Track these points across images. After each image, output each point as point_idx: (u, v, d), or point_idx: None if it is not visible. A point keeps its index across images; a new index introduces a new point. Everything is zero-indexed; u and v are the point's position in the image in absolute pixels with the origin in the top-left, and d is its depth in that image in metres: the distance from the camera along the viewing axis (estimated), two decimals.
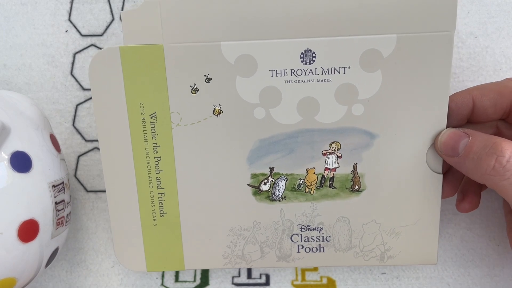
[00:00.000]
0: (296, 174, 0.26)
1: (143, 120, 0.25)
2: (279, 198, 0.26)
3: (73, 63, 0.30)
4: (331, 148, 0.26)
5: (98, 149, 0.30)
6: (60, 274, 0.31)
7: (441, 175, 0.26)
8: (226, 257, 0.27)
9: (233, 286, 0.30)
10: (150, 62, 0.24)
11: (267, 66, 0.24)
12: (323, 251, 0.27)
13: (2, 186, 0.22)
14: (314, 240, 0.27)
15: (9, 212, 0.22)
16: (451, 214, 0.30)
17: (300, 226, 0.27)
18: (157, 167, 0.26)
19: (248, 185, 0.26)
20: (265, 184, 0.26)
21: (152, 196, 0.27)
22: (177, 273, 0.30)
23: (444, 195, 0.27)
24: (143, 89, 0.25)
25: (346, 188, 0.26)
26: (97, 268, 0.31)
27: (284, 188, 0.26)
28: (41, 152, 0.24)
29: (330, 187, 0.26)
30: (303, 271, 0.30)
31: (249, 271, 0.30)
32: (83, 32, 0.30)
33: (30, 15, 0.30)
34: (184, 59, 0.24)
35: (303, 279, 0.30)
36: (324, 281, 0.30)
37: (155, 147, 0.26)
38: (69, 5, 0.30)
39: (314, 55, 0.24)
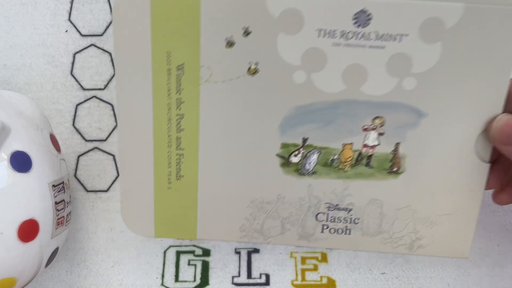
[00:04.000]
0: (331, 148, 0.24)
1: (169, 72, 0.22)
2: (309, 173, 0.24)
3: (73, 63, 0.30)
4: (374, 123, 0.23)
5: (98, 149, 0.30)
6: (60, 274, 0.31)
7: (488, 165, 0.23)
8: (243, 230, 0.25)
9: (233, 286, 0.30)
10: (184, 7, 0.21)
11: (315, 25, 0.21)
12: (349, 234, 0.25)
13: (2, 186, 0.22)
14: (341, 221, 0.25)
15: (9, 212, 0.22)
16: None
17: (327, 205, 0.25)
18: (178, 125, 0.23)
19: (277, 155, 0.24)
20: (295, 155, 0.24)
21: (169, 156, 0.24)
22: (177, 273, 0.30)
23: (488, 186, 0.24)
24: (172, 36, 0.22)
25: (384, 169, 0.24)
26: (97, 268, 0.31)
27: (316, 162, 0.24)
28: (41, 152, 0.24)
29: (366, 166, 0.24)
30: (303, 271, 0.30)
31: (249, 271, 0.30)
32: (83, 32, 0.30)
33: (30, 15, 0.30)
34: (222, 7, 0.21)
35: (303, 279, 0.30)
36: (324, 281, 0.30)
37: (179, 103, 0.23)
38: (69, 5, 0.30)
39: (369, 17, 0.21)
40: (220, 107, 0.23)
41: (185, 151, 0.24)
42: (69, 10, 0.30)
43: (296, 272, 0.30)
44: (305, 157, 0.24)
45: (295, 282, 0.30)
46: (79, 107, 0.30)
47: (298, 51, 0.22)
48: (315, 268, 0.30)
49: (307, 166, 0.24)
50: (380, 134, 0.23)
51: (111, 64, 0.30)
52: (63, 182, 0.26)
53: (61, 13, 0.30)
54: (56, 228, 0.25)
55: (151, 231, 0.25)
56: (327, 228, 0.25)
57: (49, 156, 0.25)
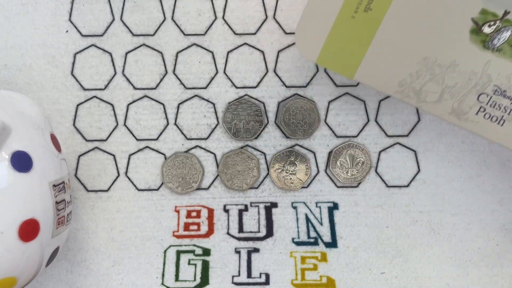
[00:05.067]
0: None
1: None
2: (494, 48, 0.23)
3: (73, 63, 0.30)
4: None
5: (99, 148, 0.30)
6: (60, 274, 0.31)
7: None
8: (402, 85, 0.24)
9: (233, 285, 0.30)
10: None
11: None
12: (502, 125, 0.24)
13: (3, 186, 0.22)
14: (500, 108, 0.24)
15: (9, 211, 0.22)
16: (449, 216, 0.30)
17: (495, 88, 0.24)
18: None
19: (472, 19, 0.23)
20: (489, 26, 0.23)
21: None
22: (177, 272, 0.31)
23: None
24: None
25: None
26: (97, 268, 0.31)
27: (506, 39, 0.23)
28: (41, 152, 0.24)
29: None
30: (303, 270, 0.30)
31: (249, 271, 0.30)
32: (84, 32, 0.30)
33: (30, 16, 0.30)
34: None
35: (303, 278, 0.30)
36: (324, 280, 0.30)
37: None
38: (69, 5, 0.30)
39: None
40: None
41: None
42: (69, 11, 0.30)
43: (296, 271, 0.30)
44: (498, 30, 0.23)
45: (295, 282, 0.30)
46: (80, 107, 0.30)
47: None
48: (315, 268, 0.30)
49: (495, 41, 0.23)
50: None
51: (111, 64, 0.30)
52: (63, 182, 0.26)
53: (62, 14, 0.30)
54: (57, 228, 0.25)
55: (315, 56, 0.25)
56: (483, 111, 0.24)
57: (49, 156, 0.25)
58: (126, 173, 0.31)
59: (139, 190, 0.31)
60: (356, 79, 0.25)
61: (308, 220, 0.31)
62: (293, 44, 0.30)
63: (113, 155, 0.31)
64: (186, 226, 0.31)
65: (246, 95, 0.31)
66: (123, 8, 0.30)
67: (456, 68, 0.24)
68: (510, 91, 0.24)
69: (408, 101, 0.25)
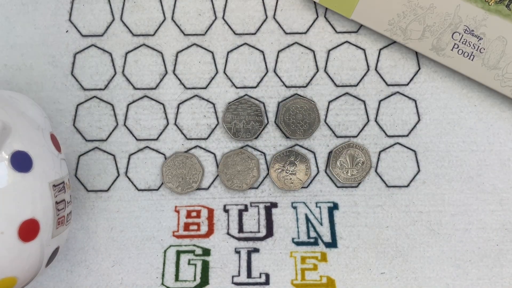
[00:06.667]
0: None
1: None
2: None
3: (73, 63, 0.30)
4: None
5: (99, 148, 0.31)
6: (61, 274, 0.31)
7: None
8: (391, 24, 0.29)
9: (233, 285, 0.30)
10: None
11: None
12: (472, 60, 0.28)
13: (3, 186, 0.22)
14: (470, 45, 0.28)
15: (9, 211, 0.22)
16: (449, 216, 0.30)
17: (465, 28, 0.28)
18: None
19: None
20: None
21: None
22: (177, 272, 0.31)
23: None
24: None
25: None
26: (97, 268, 0.31)
27: None
28: (41, 152, 0.24)
29: (506, 6, 0.28)
30: (303, 270, 0.30)
31: (249, 271, 0.31)
32: (84, 32, 0.30)
33: (31, 15, 0.30)
34: None
35: (303, 278, 0.30)
36: (324, 280, 0.30)
37: None
38: (69, 5, 0.30)
39: None
40: None
41: None
42: (69, 10, 0.30)
43: (296, 271, 0.30)
44: None
45: (294, 282, 0.30)
46: (80, 107, 0.30)
47: None
48: (315, 268, 0.30)
49: None
50: None
51: (111, 64, 0.30)
52: (63, 182, 0.26)
53: (62, 13, 0.30)
54: (57, 228, 0.25)
55: None
56: (457, 47, 0.29)
57: (49, 156, 0.25)
58: (126, 173, 0.31)
59: (139, 190, 0.31)
60: (353, 18, 0.29)
61: (308, 220, 0.31)
62: (293, 44, 0.30)
63: (113, 155, 0.31)
64: (186, 226, 0.31)
65: (246, 95, 0.31)
66: (123, 8, 0.30)
67: (434, 10, 0.28)
68: (476, 30, 0.28)
69: (396, 38, 0.29)
